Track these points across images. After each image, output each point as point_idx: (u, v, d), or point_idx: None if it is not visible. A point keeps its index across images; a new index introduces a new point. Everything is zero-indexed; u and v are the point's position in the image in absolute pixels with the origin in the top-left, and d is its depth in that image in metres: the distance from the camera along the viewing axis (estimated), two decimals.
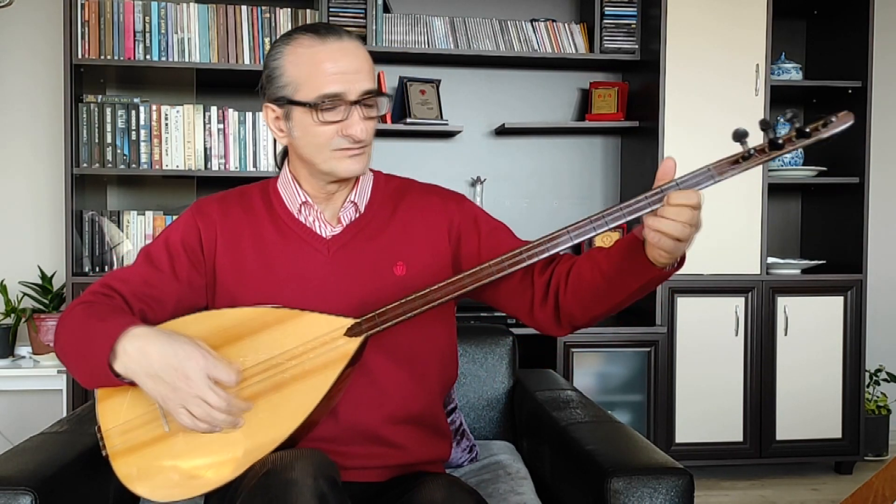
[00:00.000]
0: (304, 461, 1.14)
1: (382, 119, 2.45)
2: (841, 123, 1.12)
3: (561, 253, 1.28)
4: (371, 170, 1.47)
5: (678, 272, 1.24)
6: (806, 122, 1.11)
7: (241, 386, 1.23)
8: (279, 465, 1.14)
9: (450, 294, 1.25)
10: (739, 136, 1.13)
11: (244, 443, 1.21)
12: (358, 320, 1.26)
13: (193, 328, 1.27)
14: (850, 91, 3.40)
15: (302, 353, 1.25)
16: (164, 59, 3.08)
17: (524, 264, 1.24)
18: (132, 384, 1.22)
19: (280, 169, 1.45)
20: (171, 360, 1.16)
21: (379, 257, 1.39)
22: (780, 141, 1.12)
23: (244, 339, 1.26)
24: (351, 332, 1.26)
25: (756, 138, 1.11)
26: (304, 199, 1.40)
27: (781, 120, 3.32)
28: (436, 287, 1.25)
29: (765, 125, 1.12)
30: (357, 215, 1.41)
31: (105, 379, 1.22)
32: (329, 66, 1.28)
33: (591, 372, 3.20)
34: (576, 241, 1.21)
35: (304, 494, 1.09)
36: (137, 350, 1.18)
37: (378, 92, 1.32)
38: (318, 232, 1.39)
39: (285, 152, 1.45)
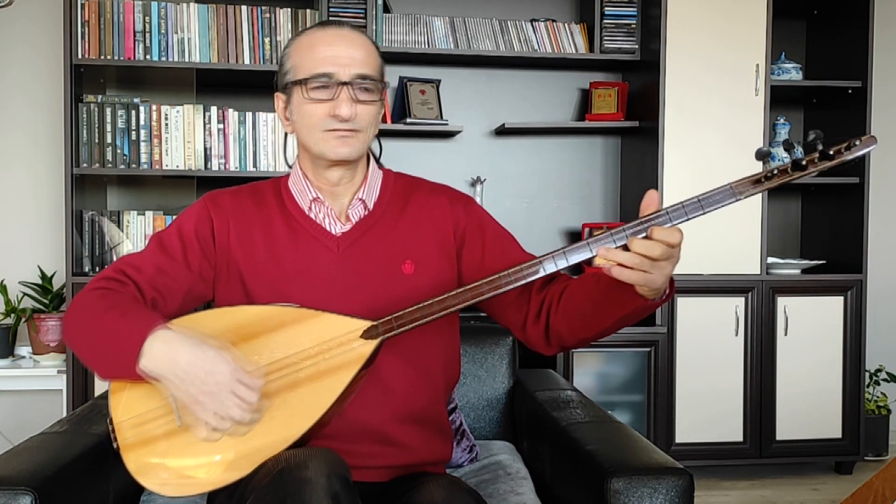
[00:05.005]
0: (318, 460, 1.14)
1: (382, 119, 2.45)
2: (865, 146, 1.12)
3: (562, 272, 1.28)
4: (381, 167, 1.48)
5: (677, 274, 1.23)
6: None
7: None
8: (293, 463, 1.14)
9: (467, 301, 1.25)
10: (762, 155, 1.12)
11: (257, 440, 1.21)
12: (374, 323, 1.26)
13: (210, 324, 1.27)
14: (850, 91, 3.40)
15: (317, 354, 1.25)
16: (164, 59, 3.08)
17: (539, 275, 1.23)
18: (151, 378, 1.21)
19: (292, 167, 1.46)
20: (201, 367, 1.17)
21: (388, 255, 1.39)
22: (804, 162, 1.11)
23: (260, 336, 1.26)
24: (367, 335, 1.26)
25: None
26: (314, 196, 1.40)
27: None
28: (454, 293, 1.25)
29: (788, 146, 1.12)
30: (366, 212, 1.42)
31: (126, 375, 1.22)
32: (323, 49, 1.33)
33: (591, 372, 3.20)
34: (594, 254, 1.20)
35: (317, 493, 1.09)
36: (166, 354, 1.18)
37: (373, 78, 1.34)
38: (328, 229, 1.40)
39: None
